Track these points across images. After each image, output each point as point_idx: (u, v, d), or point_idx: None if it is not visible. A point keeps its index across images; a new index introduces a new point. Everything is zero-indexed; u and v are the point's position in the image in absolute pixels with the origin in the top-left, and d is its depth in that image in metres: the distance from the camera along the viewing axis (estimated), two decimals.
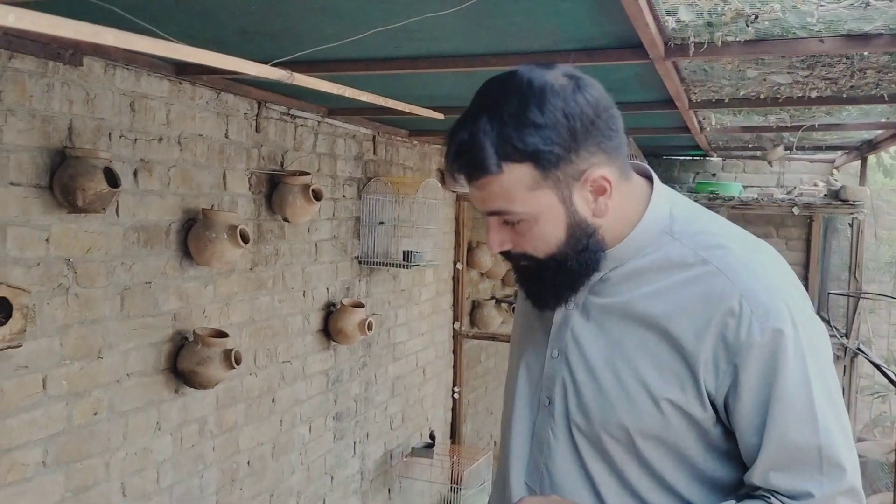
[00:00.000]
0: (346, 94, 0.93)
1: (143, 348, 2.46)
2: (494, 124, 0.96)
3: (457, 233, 4.97)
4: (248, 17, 1.71)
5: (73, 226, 2.17)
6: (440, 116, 1.35)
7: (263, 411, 3.12)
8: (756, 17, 1.78)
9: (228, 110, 2.82)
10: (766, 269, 1.05)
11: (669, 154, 5.51)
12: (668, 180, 5.31)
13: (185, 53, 0.56)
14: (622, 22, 1.70)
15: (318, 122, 3.39)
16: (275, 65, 1.42)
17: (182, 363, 2.57)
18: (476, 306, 5.43)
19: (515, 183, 0.98)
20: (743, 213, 4.98)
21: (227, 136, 2.81)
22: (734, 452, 1.06)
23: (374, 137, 3.92)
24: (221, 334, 2.69)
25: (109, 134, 2.28)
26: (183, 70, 2.42)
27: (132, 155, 2.38)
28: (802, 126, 3.71)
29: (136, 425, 2.45)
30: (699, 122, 3.65)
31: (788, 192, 5.16)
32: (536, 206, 1.01)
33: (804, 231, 5.55)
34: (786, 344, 0.98)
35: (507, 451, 1.22)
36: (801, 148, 4.77)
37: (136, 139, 2.39)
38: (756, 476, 1.02)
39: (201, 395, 2.73)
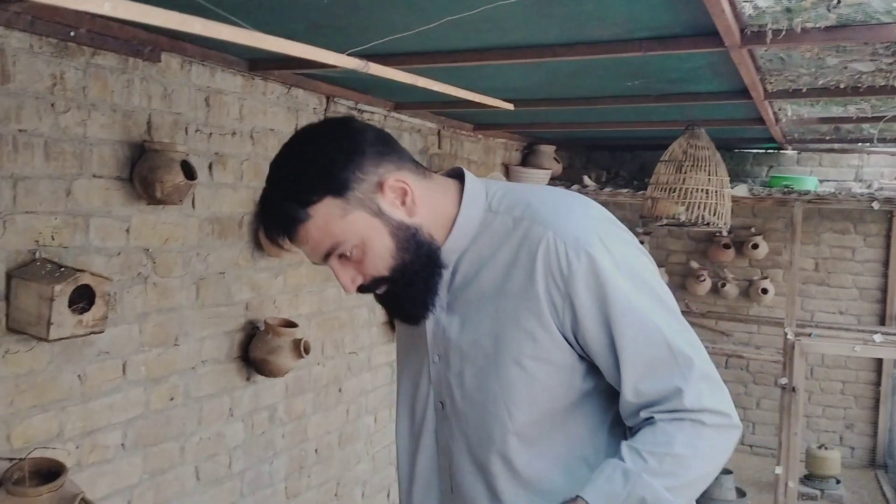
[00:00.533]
0: (419, 84, 0.94)
1: (217, 337, 2.53)
2: (282, 187, 1.11)
3: None
4: (319, 10, 1.74)
5: (151, 217, 2.24)
6: (510, 106, 1.34)
7: (330, 401, 3.17)
8: (839, 1, 1.71)
9: (298, 105, 2.87)
10: (572, 208, 1.16)
11: (741, 147, 5.35)
12: (739, 174, 5.17)
13: (268, 43, 0.58)
14: (697, 8, 1.66)
15: (385, 115, 3.42)
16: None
17: (253, 352, 2.63)
18: None
19: (327, 218, 1.09)
20: (819, 208, 4.80)
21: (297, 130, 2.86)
22: (597, 390, 1.16)
23: (439, 132, 3.93)
24: (291, 324, 2.75)
25: (186, 128, 2.35)
26: (255, 66, 2.48)
27: (207, 148, 2.45)
28: (884, 117, 3.55)
29: (209, 411, 2.52)
30: (774, 113, 3.53)
31: (868, 187, 4.95)
32: (356, 228, 1.10)
33: (884, 227, 5.31)
34: (602, 262, 1.08)
35: (410, 464, 1.29)
36: (883, 140, 4.57)
37: (210, 133, 2.46)
38: (628, 393, 1.09)
39: (271, 384, 2.80)
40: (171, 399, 2.36)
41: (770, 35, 1.89)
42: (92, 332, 1.87)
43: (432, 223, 1.15)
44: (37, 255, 1.90)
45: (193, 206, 2.40)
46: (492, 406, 1.15)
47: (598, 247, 1.09)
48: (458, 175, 1.22)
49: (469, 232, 1.17)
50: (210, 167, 2.47)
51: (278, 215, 1.10)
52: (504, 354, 1.14)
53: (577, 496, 1.06)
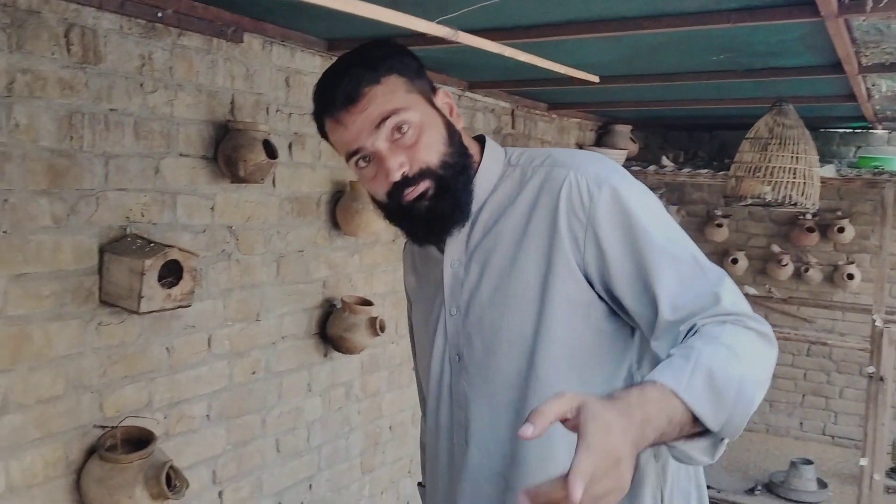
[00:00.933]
0: (506, 54, 0.93)
1: (296, 313, 2.58)
2: (355, 59, 1.15)
3: None
4: None
5: (234, 195, 2.29)
6: (595, 79, 1.31)
7: (404, 379, 3.20)
8: None
9: None
10: (591, 156, 1.21)
11: (828, 126, 5.12)
12: (825, 154, 4.95)
13: (360, 7, 0.57)
14: None
15: (459, 95, 3.40)
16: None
17: (330, 329, 2.67)
18: None
19: (394, 87, 1.13)
20: None
21: None
22: (616, 334, 1.17)
23: (512, 111, 3.89)
24: (366, 302, 2.78)
25: (267, 108, 2.39)
26: (334, 46, 2.50)
27: (287, 128, 2.48)
28: None
29: (289, 386, 2.58)
30: (867, 88, 3.36)
31: None
32: (418, 107, 1.14)
33: None
34: (624, 192, 1.12)
35: (433, 420, 1.31)
36: None
37: (290, 113, 2.49)
38: (666, 312, 1.06)
39: (348, 360, 2.84)
40: (253, 373, 2.42)
41: (870, 3, 1.78)
42: (179, 306, 1.93)
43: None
44: (127, 230, 1.96)
45: (274, 184, 2.45)
46: (513, 349, 1.17)
47: (618, 179, 1.14)
48: (478, 140, 1.28)
49: (488, 185, 1.21)
50: (290, 147, 2.51)
51: (350, 76, 1.12)
52: (526, 295, 1.15)
53: (644, 380, 0.96)
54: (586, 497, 0.72)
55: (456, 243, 1.23)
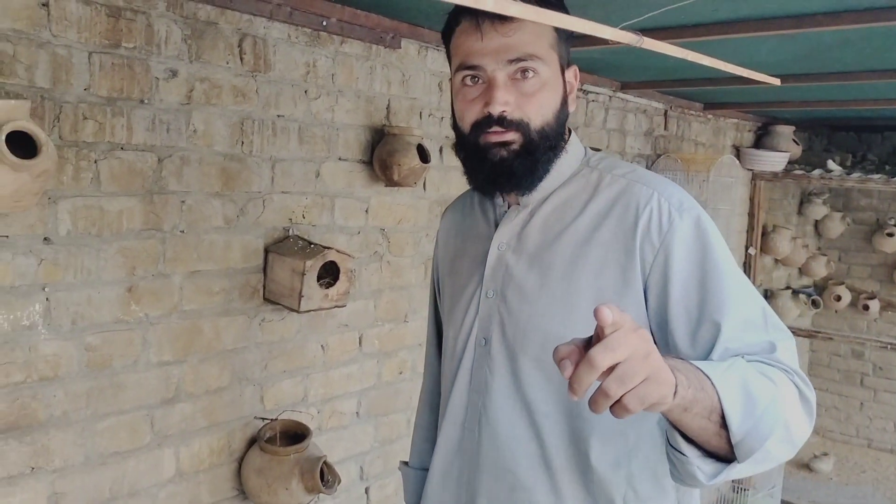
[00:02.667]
0: (689, 58, 0.87)
1: None
2: None
3: (751, 215, 4.61)
4: None
5: (387, 198, 2.34)
6: (776, 81, 1.21)
7: None
8: None
9: None
10: (674, 184, 1.15)
11: None
12: None
13: (529, 13, 0.55)
14: None
15: (610, 96, 3.31)
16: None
17: None
18: (769, 296, 5.00)
19: (543, 33, 1.08)
20: None
21: None
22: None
23: (665, 112, 3.75)
24: None
25: (420, 112, 2.42)
26: None
27: (438, 132, 2.50)
28: None
29: None
30: None
31: None
32: (551, 65, 1.10)
33: None
34: (705, 226, 1.08)
35: (445, 401, 1.26)
36: None
37: (442, 117, 2.51)
38: (717, 352, 1.00)
39: None
40: (400, 373, 2.46)
41: None
42: (336, 306, 1.99)
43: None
44: (290, 231, 2.04)
45: (424, 187, 2.47)
46: (546, 352, 1.08)
47: (700, 211, 1.11)
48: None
49: (560, 177, 1.17)
50: (440, 150, 2.53)
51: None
52: (576, 302, 1.10)
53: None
54: (614, 383, 0.74)
55: (510, 225, 1.19)
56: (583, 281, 1.10)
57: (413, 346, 2.49)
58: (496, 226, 1.22)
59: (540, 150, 1.10)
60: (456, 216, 1.36)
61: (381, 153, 2.22)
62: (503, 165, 1.10)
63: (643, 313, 1.09)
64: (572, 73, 1.16)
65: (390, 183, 2.25)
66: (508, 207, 1.21)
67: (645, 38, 0.85)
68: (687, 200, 1.11)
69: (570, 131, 1.20)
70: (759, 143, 4.58)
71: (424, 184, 2.47)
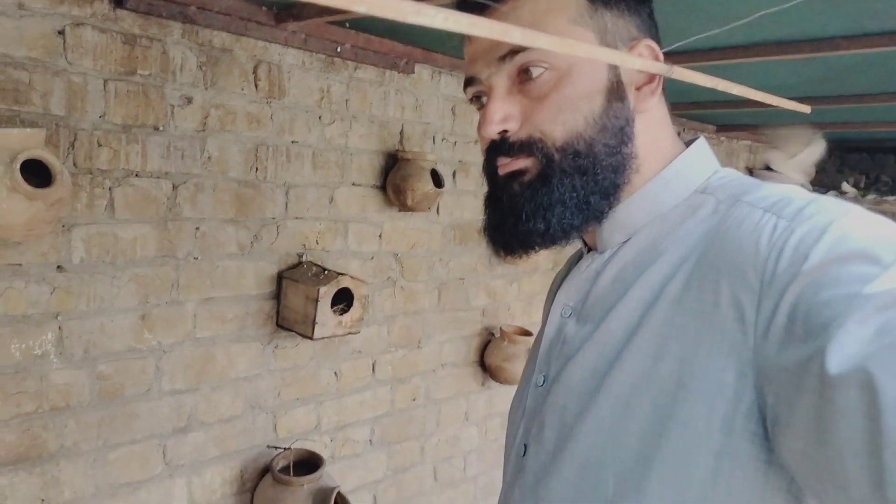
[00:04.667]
0: (719, 87, 0.82)
1: (456, 341, 2.58)
2: None
3: None
4: None
5: (401, 223, 2.32)
6: (806, 109, 1.19)
7: None
8: None
9: None
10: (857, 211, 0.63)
11: None
12: None
13: (557, 45, 0.52)
14: None
15: None
16: None
17: (489, 358, 2.64)
18: None
19: (558, 4, 0.71)
20: None
21: None
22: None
23: (679, 133, 3.72)
24: (525, 332, 2.73)
25: (433, 137, 2.41)
26: None
27: (452, 156, 2.49)
28: None
29: (447, 413, 2.57)
30: None
31: None
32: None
33: None
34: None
35: None
36: None
37: (455, 142, 2.50)
38: None
39: (504, 390, 2.79)
40: (414, 399, 2.43)
41: None
42: (349, 333, 1.96)
43: (638, 154, 0.74)
44: (303, 257, 2.03)
45: (438, 212, 2.46)
46: (585, 471, 0.70)
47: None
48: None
49: (650, 209, 0.74)
50: (454, 174, 2.51)
51: None
52: (625, 392, 0.67)
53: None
54: None
55: (579, 279, 0.80)
56: (636, 366, 0.67)
57: (426, 373, 2.47)
58: None
59: (567, 174, 0.71)
60: (563, 272, 0.93)
61: (394, 178, 2.20)
62: (513, 206, 0.74)
63: (746, 404, 0.61)
64: (643, 48, 0.74)
65: (404, 208, 2.23)
66: (589, 251, 0.82)
67: (675, 68, 0.82)
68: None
69: (686, 143, 0.79)
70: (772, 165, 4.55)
71: (438, 208, 2.45)
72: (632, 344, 0.68)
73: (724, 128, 3.91)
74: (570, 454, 0.72)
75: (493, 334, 2.71)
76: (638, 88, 0.74)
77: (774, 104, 1.14)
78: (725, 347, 0.61)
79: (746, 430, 0.60)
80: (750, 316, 0.59)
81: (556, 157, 0.71)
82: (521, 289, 2.87)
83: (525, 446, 0.80)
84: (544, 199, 0.72)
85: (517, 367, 2.62)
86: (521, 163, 0.73)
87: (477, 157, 2.59)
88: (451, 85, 2.45)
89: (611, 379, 0.69)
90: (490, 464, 2.77)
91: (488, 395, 2.74)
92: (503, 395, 2.80)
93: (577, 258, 0.87)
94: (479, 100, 0.78)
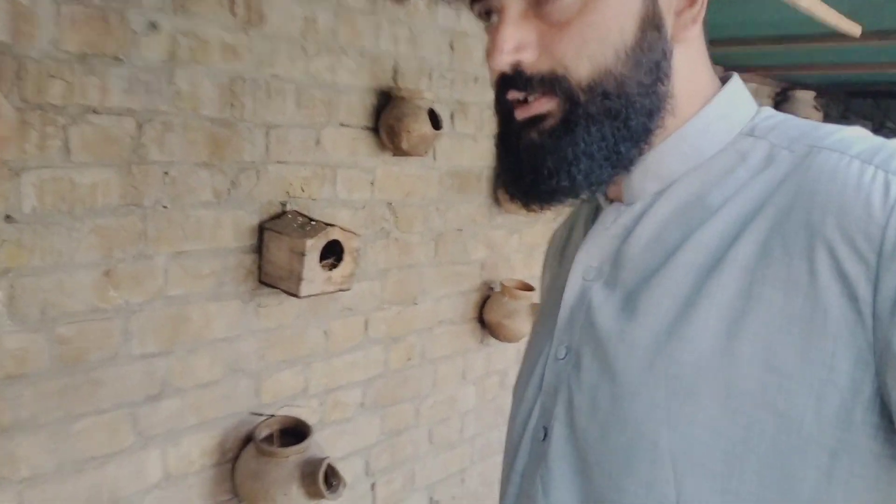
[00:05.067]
0: None
1: (453, 296, 2.40)
2: None
3: None
4: None
5: (395, 168, 2.12)
6: (857, 31, 1.01)
7: None
8: None
9: None
10: None
11: None
12: None
13: None
14: None
15: None
16: None
17: (489, 314, 2.48)
18: None
19: None
20: None
21: None
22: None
23: None
24: (527, 287, 2.56)
25: (430, 74, 2.20)
26: None
27: (450, 96, 2.28)
28: None
29: (443, 373, 2.41)
30: None
31: None
32: None
33: None
34: None
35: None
36: None
37: (453, 80, 2.29)
38: None
39: (503, 348, 2.64)
40: (409, 359, 2.27)
41: None
42: (339, 290, 1.78)
43: (677, 98, 0.63)
44: (287, 206, 1.83)
45: (435, 157, 2.26)
46: (637, 461, 0.59)
47: None
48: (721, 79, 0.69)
49: (694, 156, 0.63)
50: (452, 116, 2.30)
51: None
52: (687, 374, 0.57)
53: None
54: None
55: (604, 237, 0.68)
56: (701, 344, 0.57)
57: (422, 330, 2.30)
58: None
59: (595, 119, 0.59)
60: (565, 231, 0.84)
61: (388, 119, 2.00)
62: (533, 160, 0.62)
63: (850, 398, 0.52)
64: None
65: (398, 152, 2.03)
66: (611, 203, 0.69)
67: None
68: None
69: (718, 79, 0.68)
70: (777, 109, 4.36)
71: (435, 153, 2.25)
72: (690, 317, 0.58)
73: (730, 70, 3.70)
74: (615, 438, 0.61)
75: (492, 289, 2.54)
76: (678, 14, 0.62)
77: (831, 20, 0.94)
78: (832, 328, 0.52)
79: (868, 423, 0.52)
80: (865, 294, 0.51)
81: (582, 98, 0.60)
82: (521, 240, 2.69)
83: (545, 430, 0.68)
84: (568, 151, 0.61)
85: (518, 324, 2.45)
86: (542, 105, 0.61)
87: (477, 97, 2.38)
88: (449, 16, 2.22)
89: (665, 358, 0.59)
90: (487, 424, 2.63)
91: (486, 352, 2.58)
92: (502, 353, 2.65)
93: (592, 211, 0.76)
94: (487, 16, 0.64)
